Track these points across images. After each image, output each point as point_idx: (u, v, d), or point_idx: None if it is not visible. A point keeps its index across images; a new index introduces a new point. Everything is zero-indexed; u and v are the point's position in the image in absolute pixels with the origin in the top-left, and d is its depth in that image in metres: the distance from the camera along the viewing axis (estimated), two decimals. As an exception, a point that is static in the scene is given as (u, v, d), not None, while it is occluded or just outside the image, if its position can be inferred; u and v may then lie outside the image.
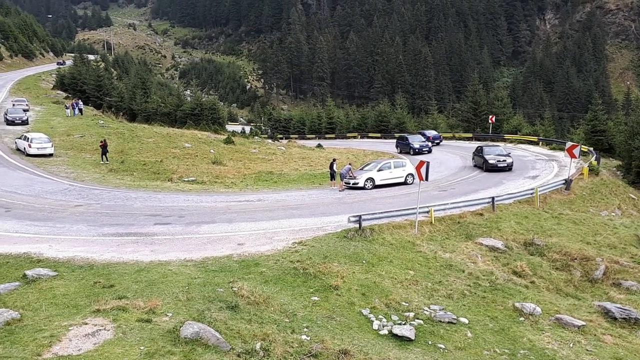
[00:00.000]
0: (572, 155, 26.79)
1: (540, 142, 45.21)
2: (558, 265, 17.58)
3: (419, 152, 41.02)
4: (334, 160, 28.17)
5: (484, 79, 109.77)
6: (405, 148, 42.60)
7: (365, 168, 28.03)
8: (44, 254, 14.40)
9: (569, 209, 23.78)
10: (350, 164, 27.89)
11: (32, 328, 9.58)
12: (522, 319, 13.45)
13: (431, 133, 50.43)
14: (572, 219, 22.19)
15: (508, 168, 30.62)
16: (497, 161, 30.78)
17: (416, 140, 43.03)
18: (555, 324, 13.39)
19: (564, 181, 26.46)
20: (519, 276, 16.31)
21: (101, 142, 32.44)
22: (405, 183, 27.40)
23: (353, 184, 26.39)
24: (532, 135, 47.73)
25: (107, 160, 31.65)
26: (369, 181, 26.52)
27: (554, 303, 14.80)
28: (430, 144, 42.95)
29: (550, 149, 42.00)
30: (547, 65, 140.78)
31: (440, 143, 49.01)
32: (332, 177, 27.47)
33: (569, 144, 28.63)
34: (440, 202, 21.20)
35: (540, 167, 32.87)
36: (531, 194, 23.62)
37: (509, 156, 31.29)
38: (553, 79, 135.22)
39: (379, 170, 27.04)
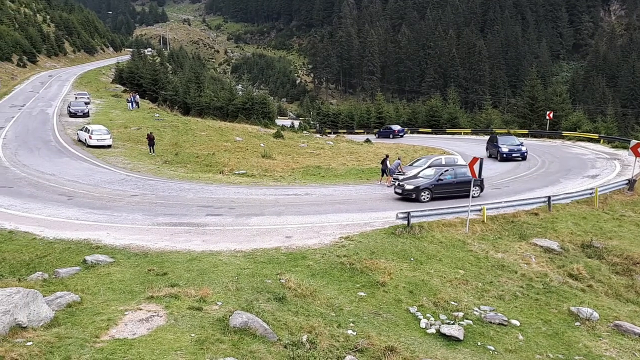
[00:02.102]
0: (637, 154, 25.31)
1: (602, 140, 43.10)
2: (618, 269, 16.73)
3: (508, 158, 33.07)
4: (387, 156, 27.37)
5: (542, 73, 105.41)
6: (493, 151, 34.78)
7: (415, 164, 27.56)
8: (102, 241, 15.09)
9: (631, 210, 22.52)
10: (399, 159, 27.48)
11: (91, 311, 10.06)
12: (577, 323, 12.90)
13: (396, 127, 57.15)
14: (635, 221, 21.02)
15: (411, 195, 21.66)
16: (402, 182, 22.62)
17: (506, 143, 34.13)
18: (614, 331, 12.76)
19: (627, 181, 25.10)
20: (575, 279, 15.63)
21: (148, 134, 33.81)
22: (456, 180, 26.70)
23: (402, 180, 25.98)
24: (593, 133, 45.56)
25: (154, 152, 32.92)
26: (418, 177, 26.00)
27: (613, 309, 14.10)
28: (525, 148, 34.00)
29: (612, 147, 39.95)
30: (610, 59, 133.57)
31: (404, 136, 55.18)
32: (384, 173, 26.96)
33: (633, 142, 27.04)
34: (493, 201, 20.62)
35: (601, 166, 31.36)
36: (590, 194, 22.55)
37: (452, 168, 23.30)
38: (617, 74, 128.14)
39: (429, 167, 26.51)
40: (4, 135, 36.09)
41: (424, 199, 21.42)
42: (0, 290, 9.21)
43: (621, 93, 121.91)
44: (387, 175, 26.48)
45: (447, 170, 22.51)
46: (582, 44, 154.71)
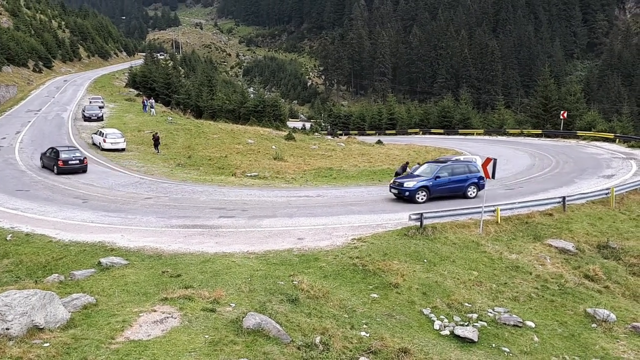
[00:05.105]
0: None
1: (617, 139, 42.57)
2: (636, 270, 16.46)
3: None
4: (407, 163, 26.86)
5: (555, 72, 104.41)
6: None
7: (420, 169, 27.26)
8: (116, 243, 15.23)
9: (648, 210, 22.18)
10: (419, 164, 27.29)
11: (106, 313, 10.15)
12: (594, 325, 12.73)
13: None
14: (653, 221, 20.69)
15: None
16: None
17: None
18: (632, 333, 12.58)
19: (643, 181, 24.70)
20: (591, 280, 15.43)
21: (153, 135, 34.60)
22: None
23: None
24: (608, 132, 45.00)
25: (159, 152, 33.69)
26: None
27: (631, 310, 13.90)
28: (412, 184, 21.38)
29: (629, 147, 39.44)
30: (626, 58, 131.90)
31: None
32: (397, 175, 26.71)
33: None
34: (507, 201, 20.44)
35: (617, 166, 30.94)
36: (606, 194, 22.25)
37: None
38: (633, 72, 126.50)
39: (442, 167, 26.28)
40: (21, 140, 36.65)
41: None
42: (18, 292, 9.34)
43: (637, 92, 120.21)
44: None
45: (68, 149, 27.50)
46: (597, 42, 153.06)
